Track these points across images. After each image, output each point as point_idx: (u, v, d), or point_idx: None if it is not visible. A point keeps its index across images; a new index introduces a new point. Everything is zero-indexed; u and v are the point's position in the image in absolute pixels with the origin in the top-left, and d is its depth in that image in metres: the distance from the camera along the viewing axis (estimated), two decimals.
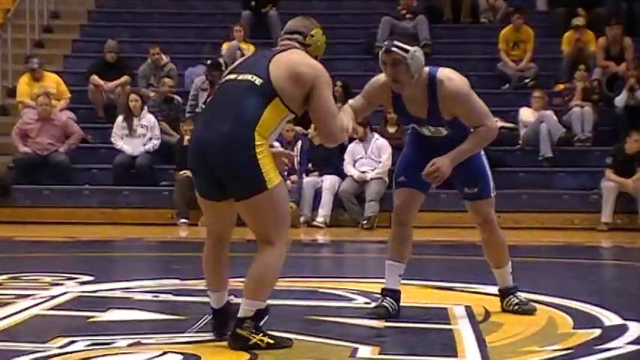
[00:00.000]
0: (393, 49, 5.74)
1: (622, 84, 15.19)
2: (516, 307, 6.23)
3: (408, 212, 6.07)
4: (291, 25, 5.42)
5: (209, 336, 5.42)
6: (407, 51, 5.73)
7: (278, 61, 5.14)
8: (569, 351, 5.11)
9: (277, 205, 5.07)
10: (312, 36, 5.34)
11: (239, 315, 5.10)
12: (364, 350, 5.13)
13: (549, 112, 14.77)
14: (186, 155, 5.24)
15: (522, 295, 6.32)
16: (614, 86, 15.43)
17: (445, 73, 5.85)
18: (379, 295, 6.15)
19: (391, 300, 6.02)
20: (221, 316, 5.33)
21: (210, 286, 5.38)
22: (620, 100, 14.96)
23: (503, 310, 6.28)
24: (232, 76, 5.21)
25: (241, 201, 5.05)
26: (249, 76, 5.12)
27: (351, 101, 6.11)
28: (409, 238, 6.10)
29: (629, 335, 5.53)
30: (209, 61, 15.56)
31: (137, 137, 14.69)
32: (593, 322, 5.94)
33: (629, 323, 5.83)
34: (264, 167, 4.99)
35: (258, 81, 5.09)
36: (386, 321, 5.88)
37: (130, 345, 5.22)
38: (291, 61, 5.15)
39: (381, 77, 5.96)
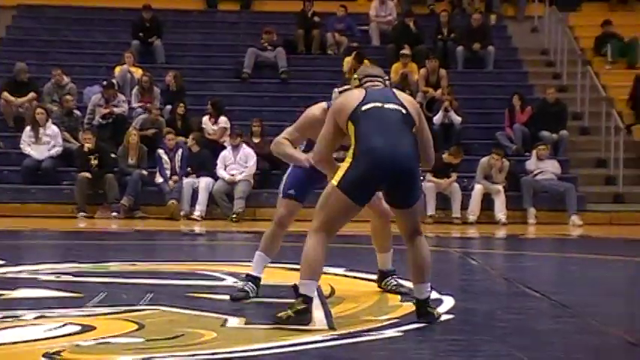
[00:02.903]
0: None
1: (439, 106, 15.52)
2: (394, 287, 6.14)
3: (290, 219, 5.94)
4: (375, 72, 5.40)
5: (103, 310, 5.32)
6: None
7: (402, 97, 5.18)
8: (398, 320, 5.17)
9: (423, 203, 5.21)
10: (389, 79, 5.43)
11: (424, 297, 5.10)
12: (233, 321, 5.09)
13: None
14: (363, 164, 4.92)
15: (398, 279, 6.24)
16: (433, 108, 15.76)
17: None
18: (244, 278, 6.02)
19: (253, 285, 5.89)
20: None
21: (319, 275, 5.03)
22: (437, 119, 15.31)
23: (380, 288, 6.22)
24: (377, 104, 5.04)
25: (409, 207, 5.06)
26: (396, 106, 5.07)
27: (285, 135, 5.77)
28: (281, 238, 5.99)
29: (444, 307, 5.62)
30: (104, 82, 15.37)
31: (42, 144, 14.40)
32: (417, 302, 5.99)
33: (444, 297, 5.92)
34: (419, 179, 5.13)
35: (404, 111, 5.07)
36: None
37: (35, 318, 5.08)
38: (410, 99, 5.26)
39: (315, 112, 5.71)
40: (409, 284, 6.02)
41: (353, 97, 5.15)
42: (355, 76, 5.43)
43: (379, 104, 5.06)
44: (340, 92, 5.73)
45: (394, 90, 5.26)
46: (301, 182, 5.91)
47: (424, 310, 5.11)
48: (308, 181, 5.90)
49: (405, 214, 5.10)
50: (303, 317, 4.89)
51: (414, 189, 5.04)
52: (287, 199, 5.93)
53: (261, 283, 5.98)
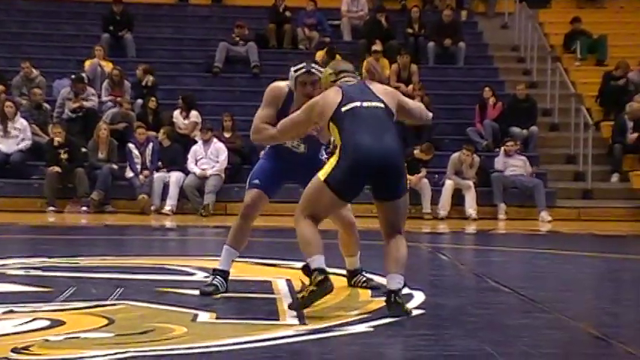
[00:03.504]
0: (313, 70, 5.63)
1: None
2: (364, 283, 6.14)
3: (254, 209, 5.86)
4: (348, 67, 5.50)
5: (73, 304, 5.28)
6: (321, 72, 5.62)
7: (378, 90, 5.24)
8: (369, 315, 5.18)
9: (407, 202, 5.26)
10: (361, 75, 5.47)
11: (395, 288, 5.11)
12: (203, 316, 5.08)
13: None
14: (351, 160, 5.00)
15: (367, 275, 6.26)
16: None
17: None
18: (212, 272, 5.95)
19: (221, 279, 5.84)
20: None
21: (322, 248, 5.09)
22: None
23: (352, 287, 6.17)
24: (356, 104, 5.12)
25: (395, 200, 5.11)
26: (375, 103, 5.14)
27: (259, 120, 5.68)
28: (249, 230, 5.92)
29: (414, 302, 5.63)
30: (74, 76, 15.27)
31: (11, 138, 14.30)
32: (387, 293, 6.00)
33: (415, 292, 5.93)
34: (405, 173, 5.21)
35: (382, 105, 5.14)
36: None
37: (4, 313, 5.03)
38: (384, 89, 5.33)
39: (281, 85, 5.76)
40: (378, 279, 6.07)
41: (331, 98, 5.19)
42: (330, 71, 5.43)
43: (358, 103, 5.13)
44: (295, 71, 5.69)
45: (368, 84, 5.27)
46: (267, 174, 5.86)
47: (394, 301, 5.11)
48: (275, 174, 5.85)
49: (388, 208, 5.14)
50: (325, 285, 4.97)
51: (399, 183, 5.11)
52: (251, 188, 5.87)
53: (233, 278, 5.96)
